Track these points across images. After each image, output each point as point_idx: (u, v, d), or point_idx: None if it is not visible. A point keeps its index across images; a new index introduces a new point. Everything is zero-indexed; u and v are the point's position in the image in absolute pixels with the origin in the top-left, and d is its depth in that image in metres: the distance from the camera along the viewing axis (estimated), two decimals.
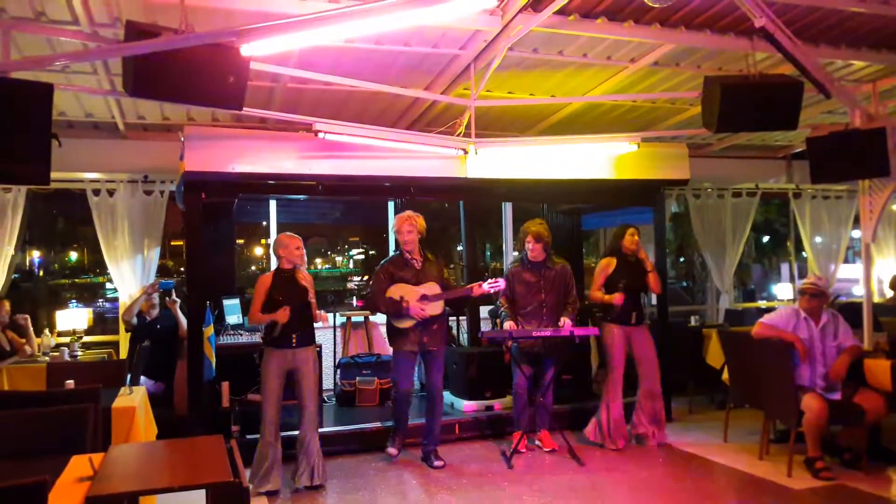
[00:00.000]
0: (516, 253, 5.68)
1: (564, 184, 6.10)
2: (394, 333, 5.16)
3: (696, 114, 6.25)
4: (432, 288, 5.09)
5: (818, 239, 9.19)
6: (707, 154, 8.09)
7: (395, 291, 5.07)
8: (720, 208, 8.69)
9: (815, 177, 5.37)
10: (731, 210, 8.71)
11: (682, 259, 12.92)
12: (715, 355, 6.39)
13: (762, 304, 9.63)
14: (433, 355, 5.16)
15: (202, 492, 2.85)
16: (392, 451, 5.22)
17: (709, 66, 5.49)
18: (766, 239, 13.70)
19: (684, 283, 12.58)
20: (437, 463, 5.11)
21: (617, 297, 5.39)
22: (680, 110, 6.59)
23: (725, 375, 5.67)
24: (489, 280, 5.14)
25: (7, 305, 5.87)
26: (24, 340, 5.92)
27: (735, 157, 8.38)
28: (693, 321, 7.50)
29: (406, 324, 5.06)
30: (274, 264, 4.94)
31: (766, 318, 5.03)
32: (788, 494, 4.38)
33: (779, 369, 4.82)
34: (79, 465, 2.61)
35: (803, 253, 9.37)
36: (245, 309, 6.46)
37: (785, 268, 10.21)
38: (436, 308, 5.08)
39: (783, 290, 9.15)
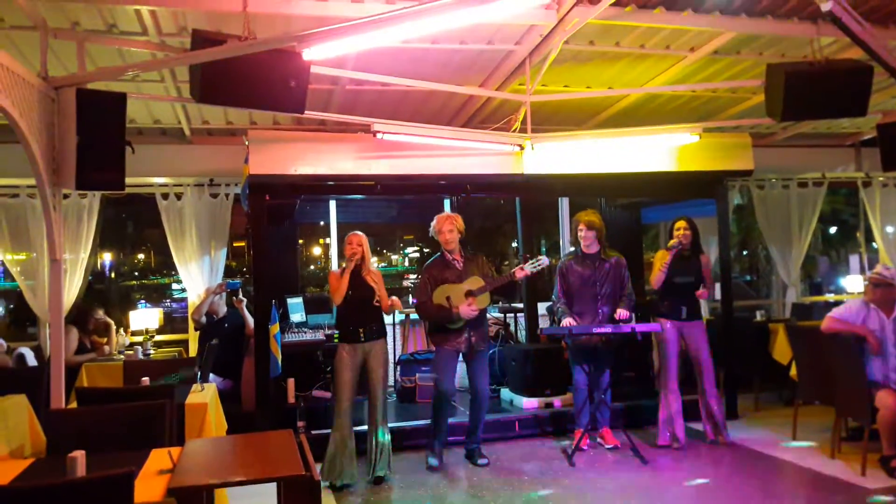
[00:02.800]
0: (573, 248, 5.64)
1: (623, 177, 6.03)
2: (438, 330, 5.08)
3: (759, 102, 6.07)
4: (476, 282, 4.98)
5: (889, 229, 8.81)
6: (771, 143, 7.86)
7: (441, 294, 4.99)
8: (785, 199, 8.41)
9: (887, 164, 5.17)
10: (796, 200, 8.43)
11: (745, 252, 12.59)
12: (782, 350, 6.23)
13: (830, 297, 9.29)
14: (479, 355, 5.08)
15: (272, 484, 2.95)
16: (434, 461, 5.04)
17: (771, 53, 5.34)
18: (833, 230, 13.22)
19: (748, 278, 12.25)
20: (481, 461, 5.09)
21: (667, 257, 5.29)
22: (742, 99, 6.43)
23: (793, 371, 5.52)
24: (531, 261, 5.01)
25: (100, 313, 6.21)
26: (104, 340, 6.21)
27: (800, 145, 8.10)
28: (759, 316, 7.32)
29: (456, 325, 4.98)
30: (334, 262, 5.05)
31: (834, 312, 4.88)
32: (863, 494, 4.24)
33: (850, 364, 4.66)
34: (158, 459, 2.73)
35: (873, 244, 9.01)
36: (308, 307, 6.61)
37: (854, 259, 9.82)
38: (483, 301, 4.98)
39: (853, 283, 8.81)
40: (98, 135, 3.81)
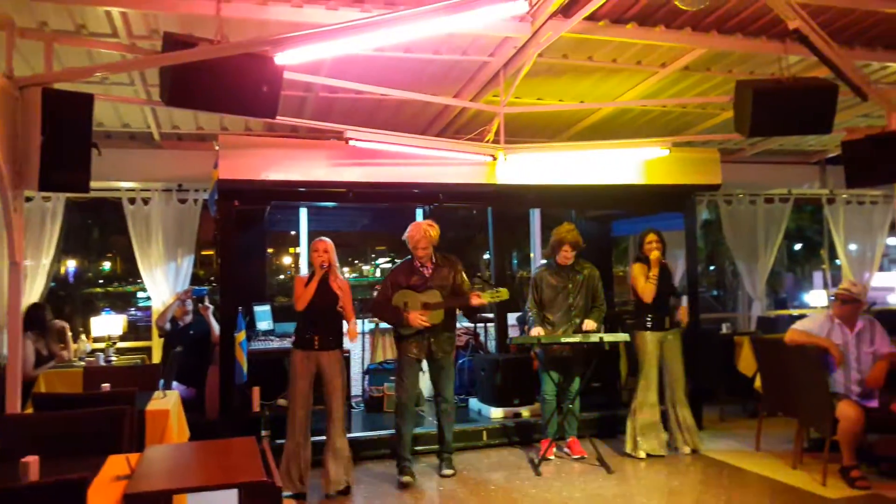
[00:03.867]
0: (544, 261, 5.66)
1: (594, 189, 6.07)
2: (399, 338, 5.07)
3: (728, 118, 6.18)
4: (434, 296, 4.97)
5: (852, 246, 9.02)
6: (739, 159, 8.00)
7: (401, 297, 5.00)
8: (752, 214, 8.59)
9: (851, 181, 5.25)
10: (763, 216, 8.60)
11: (711, 268, 12.77)
12: (747, 363, 6.31)
13: (794, 312, 9.46)
14: (440, 363, 5.04)
15: (234, 492, 2.89)
16: (405, 479, 4.88)
17: (740, 70, 5.44)
18: (798, 247, 13.48)
19: (715, 293, 12.43)
20: (447, 471, 5.02)
21: (654, 261, 5.34)
22: (711, 115, 6.53)
23: (757, 383, 5.60)
24: (491, 291, 5.04)
25: (50, 315, 6.05)
26: (61, 346, 6.07)
27: (767, 162, 8.27)
28: (724, 329, 7.41)
29: (409, 330, 4.98)
30: (304, 272, 5.01)
31: (799, 325, 4.96)
32: None
33: (813, 376, 4.74)
34: (116, 465, 2.66)
35: (837, 261, 9.20)
36: (276, 315, 6.54)
37: (817, 276, 10.03)
38: (436, 316, 4.95)
39: (817, 298, 8.99)
40: (63, 136, 3.72)
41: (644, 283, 5.40)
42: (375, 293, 5.39)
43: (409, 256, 5.13)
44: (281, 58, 3.70)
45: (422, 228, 5.02)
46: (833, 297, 4.91)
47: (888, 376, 4.64)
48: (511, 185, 5.83)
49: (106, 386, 4.04)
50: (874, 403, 4.66)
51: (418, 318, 4.88)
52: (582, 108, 6.06)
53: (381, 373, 6.60)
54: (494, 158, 5.57)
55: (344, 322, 4.82)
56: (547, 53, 4.84)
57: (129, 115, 5.91)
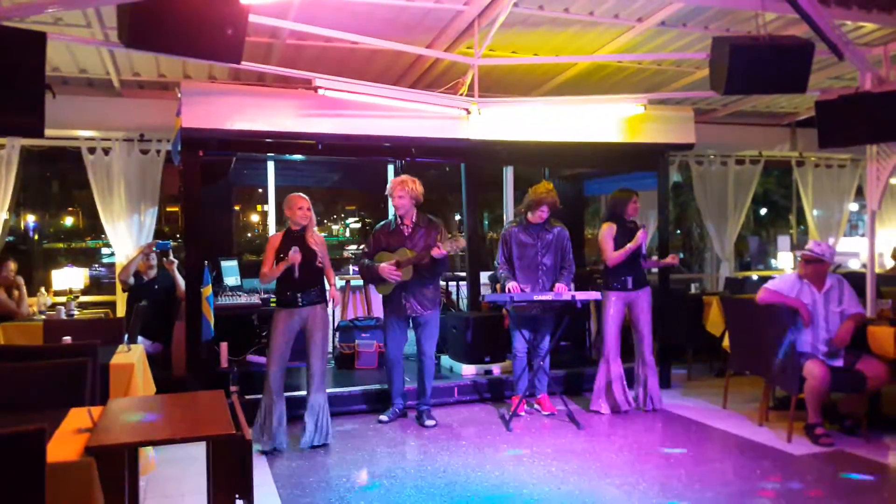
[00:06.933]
0: (516, 217, 5.60)
1: (568, 146, 6.00)
2: (384, 301, 5.23)
3: (703, 77, 6.14)
4: (404, 254, 5.04)
5: (817, 212, 9.13)
6: (712, 120, 8.00)
7: (379, 259, 5.11)
8: (723, 176, 8.63)
9: (824, 141, 5.28)
10: (733, 178, 8.65)
11: (679, 231, 12.88)
12: (715, 322, 6.38)
13: (762, 273, 9.59)
14: (420, 321, 5.15)
15: (202, 447, 2.82)
16: (384, 417, 5.26)
17: (717, 26, 5.38)
18: (763, 211, 13.64)
19: (682, 255, 12.55)
20: (428, 422, 5.14)
21: (639, 235, 5.28)
22: (686, 73, 6.47)
23: (725, 343, 5.66)
24: (449, 239, 4.97)
25: (13, 266, 5.82)
26: (17, 295, 5.84)
27: (739, 123, 8.28)
28: (693, 289, 7.47)
29: (385, 290, 5.11)
30: (272, 229, 4.89)
31: (770, 284, 4.99)
32: (788, 459, 4.38)
33: (781, 336, 4.78)
34: (78, 417, 2.56)
35: (801, 227, 9.31)
36: (244, 271, 6.41)
37: (783, 240, 10.15)
38: (406, 273, 5.00)
39: (784, 260, 9.10)
40: (14, 77, 3.54)
41: (613, 251, 5.35)
42: (350, 255, 5.42)
43: (394, 216, 5.20)
44: None
45: (401, 177, 5.12)
46: (798, 258, 4.96)
47: (854, 336, 4.71)
48: (485, 141, 5.74)
49: (67, 339, 3.90)
50: (839, 363, 4.73)
51: (386, 269, 4.98)
52: (558, 61, 5.93)
53: (352, 330, 6.54)
54: (468, 112, 5.46)
55: (326, 280, 4.80)
56: (522, 3, 4.72)
57: (86, 60, 5.63)
